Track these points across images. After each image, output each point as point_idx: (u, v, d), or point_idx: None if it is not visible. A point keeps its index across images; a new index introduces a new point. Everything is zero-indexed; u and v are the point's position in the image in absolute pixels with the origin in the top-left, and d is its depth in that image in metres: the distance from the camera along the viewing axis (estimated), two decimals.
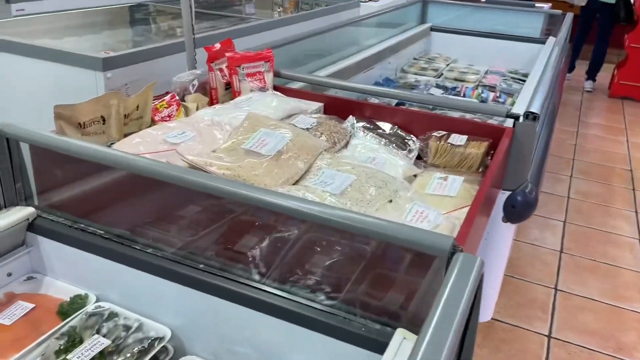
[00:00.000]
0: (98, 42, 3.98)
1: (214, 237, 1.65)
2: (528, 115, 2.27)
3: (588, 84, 8.90)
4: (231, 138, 1.84)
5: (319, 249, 1.54)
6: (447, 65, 5.17)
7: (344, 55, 4.06)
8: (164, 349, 1.64)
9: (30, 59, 2.70)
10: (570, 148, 6.37)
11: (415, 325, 1.39)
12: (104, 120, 1.90)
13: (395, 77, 4.73)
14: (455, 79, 4.82)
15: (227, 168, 1.63)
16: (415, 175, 2.18)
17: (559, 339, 3.34)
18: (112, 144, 1.91)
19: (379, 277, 1.48)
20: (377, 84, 4.26)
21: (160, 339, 1.63)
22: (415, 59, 5.27)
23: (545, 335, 3.36)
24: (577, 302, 3.69)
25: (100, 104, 1.87)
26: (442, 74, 4.92)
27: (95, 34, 4.22)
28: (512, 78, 4.93)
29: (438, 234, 1.29)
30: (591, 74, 8.87)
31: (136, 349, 1.57)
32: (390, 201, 1.74)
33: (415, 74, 4.87)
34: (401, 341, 1.33)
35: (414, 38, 5.23)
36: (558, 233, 4.51)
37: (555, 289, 3.81)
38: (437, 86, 4.52)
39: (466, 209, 1.84)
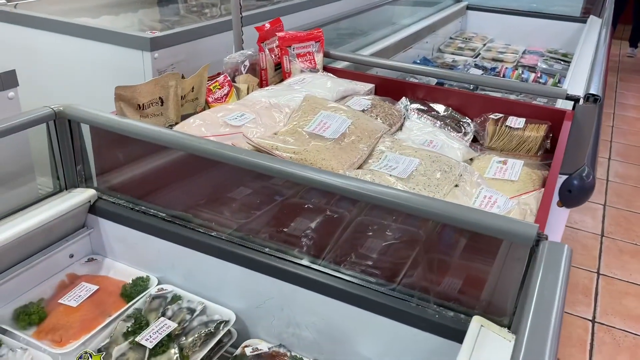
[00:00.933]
0: (134, 20, 3.95)
1: (282, 221, 1.63)
2: (589, 97, 2.19)
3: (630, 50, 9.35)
4: (291, 121, 1.81)
5: (392, 236, 1.51)
6: (484, 45, 5.04)
7: (382, 35, 3.97)
8: (228, 333, 1.64)
9: (74, 38, 2.68)
10: (607, 130, 6.21)
11: (491, 314, 1.36)
12: (162, 101, 1.87)
13: (432, 57, 4.63)
14: (493, 59, 4.70)
15: (294, 152, 1.60)
16: (471, 159, 2.12)
17: (603, 324, 3.28)
18: (170, 125, 1.89)
19: (453, 264, 1.45)
20: (414, 63, 4.17)
21: (225, 322, 1.63)
22: (451, 38, 5.15)
23: (590, 320, 3.30)
24: (620, 286, 3.62)
25: (159, 85, 1.84)
26: (479, 54, 4.80)
27: (130, 12, 4.19)
28: (552, 58, 4.79)
29: (522, 221, 1.25)
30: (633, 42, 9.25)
31: (203, 332, 1.57)
32: (457, 185, 1.70)
33: (452, 53, 4.76)
34: (479, 329, 1.30)
35: (450, 17, 5.10)
36: (598, 216, 4.42)
37: (598, 273, 3.74)
38: (476, 66, 4.41)
39: (531, 194, 1.79)
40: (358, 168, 1.71)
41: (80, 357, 1.48)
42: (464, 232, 1.38)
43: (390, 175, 1.63)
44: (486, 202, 1.62)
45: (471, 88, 3.36)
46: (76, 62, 2.73)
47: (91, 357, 1.48)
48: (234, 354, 1.61)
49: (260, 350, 1.62)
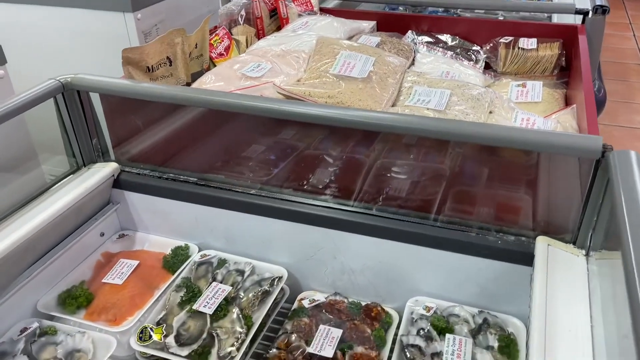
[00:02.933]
0: None
1: (325, 168, 1.58)
2: (597, 9, 2.16)
3: None
4: (311, 65, 1.73)
5: (446, 168, 1.49)
6: None
7: None
8: (280, 289, 1.61)
9: (53, 9, 2.49)
10: None
11: (554, 233, 1.36)
12: (170, 62, 1.76)
13: None
14: None
15: (328, 96, 1.54)
16: (487, 87, 2.10)
17: None
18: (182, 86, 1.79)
19: (511, 187, 1.44)
20: None
21: (279, 278, 1.60)
22: None
23: None
24: None
25: (165, 43, 1.73)
26: None
27: None
28: None
29: (586, 136, 1.24)
30: None
31: (258, 291, 1.54)
32: (491, 112, 1.67)
33: None
34: (546, 248, 1.31)
35: None
36: None
37: None
38: None
39: (562, 112, 1.78)
40: (392, 106, 1.66)
41: (141, 333, 1.43)
42: (521, 154, 1.36)
43: (428, 109, 1.59)
44: (525, 124, 1.61)
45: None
46: (59, 33, 2.54)
47: (152, 331, 1.44)
48: (292, 309, 1.59)
49: (318, 300, 1.60)
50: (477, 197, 1.46)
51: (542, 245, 1.32)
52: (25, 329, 1.41)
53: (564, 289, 1.18)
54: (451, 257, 1.44)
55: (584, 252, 1.29)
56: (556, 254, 1.29)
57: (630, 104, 4.92)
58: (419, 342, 1.36)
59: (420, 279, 1.53)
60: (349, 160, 1.56)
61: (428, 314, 1.44)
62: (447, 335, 1.35)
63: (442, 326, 1.39)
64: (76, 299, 1.51)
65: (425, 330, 1.39)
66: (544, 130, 1.27)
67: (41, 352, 1.37)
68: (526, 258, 1.35)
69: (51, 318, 1.50)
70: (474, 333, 1.39)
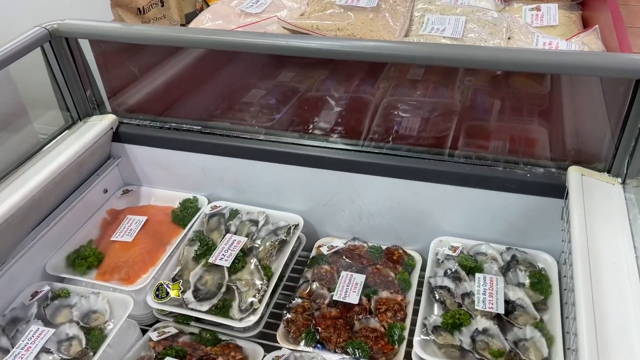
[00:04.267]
0: None
1: (337, 109, 1.49)
2: None
3: None
4: None
5: (468, 101, 1.39)
6: None
7: None
8: (296, 238, 1.55)
9: None
10: None
11: (586, 162, 1.29)
12: (162, 2, 1.62)
13: None
14: None
15: (338, 28, 1.42)
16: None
17: None
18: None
19: (539, 117, 1.35)
20: None
21: (295, 226, 1.54)
22: None
23: None
24: None
25: None
26: None
27: None
28: None
29: (624, 55, 1.14)
30: None
31: (275, 240, 1.48)
32: (509, 38, 1.56)
33: None
34: (580, 178, 1.24)
35: None
36: None
37: None
38: None
39: (584, 34, 1.67)
40: (405, 36, 1.54)
41: (157, 290, 1.38)
42: (548, 80, 1.27)
43: (444, 38, 1.47)
44: (548, 48, 1.50)
45: None
46: None
47: (169, 288, 1.38)
48: (311, 256, 1.54)
49: (336, 246, 1.54)
50: (502, 129, 1.38)
51: (575, 175, 1.24)
52: (37, 292, 1.36)
53: (603, 219, 1.12)
54: (476, 193, 1.38)
55: (619, 180, 1.22)
56: (590, 183, 1.22)
57: (631, 28, 4.76)
58: (448, 283, 1.31)
59: (444, 218, 1.47)
60: (358, 99, 1.46)
61: (454, 254, 1.39)
62: (477, 274, 1.30)
63: (471, 265, 1.34)
64: (86, 259, 1.45)
65: (453, 271, 1.34)
66: (580, 51, 1.17)
67: (56, 316, 1.31)
68: (557, 190, 1.28)
69: (61, 280, 1.44)
70: (504, 271, 1.34)
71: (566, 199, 1.23)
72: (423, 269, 1.43)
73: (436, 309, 1.28)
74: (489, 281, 1.28)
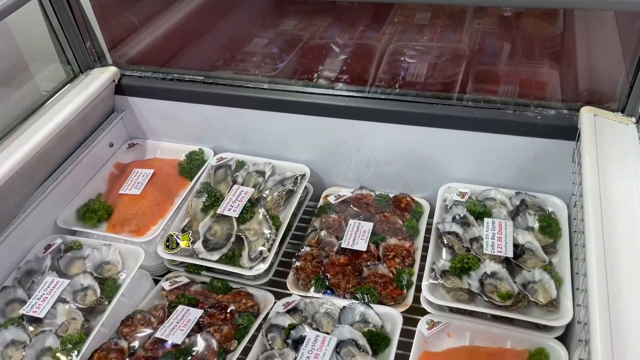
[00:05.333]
0: None
1: (343, 55, 1.45)
2: None
3: None
4: None
5: (478, 39, 1.35)
6: None
7: None
8: (303, 188, 1.55)
9: None
10: None
11: (598, 103, 1.25)
12: None
13: None
14: None
15: None
16: None
17: None
18: None
19: (551, 56, 1.31)
20: None
21: (302, 176, 1.53)
22: None
23: None
24: None
25: None
26: None
27: None
28: None
29: None
30: None
31: (282, 190, 1.48)
32: None
33: None
34: (593, 119, 1.21)
35: None
36: None
37: None
38: None
39: None
40: None
41: (167, 241, 1.39)
42: (558, 16, 1.22)
43: None
44: None
45: None
46: None
47: (179, 238, 1.40)
48: (318, 206, 1.53)
49: (344, 196, 1.54)
50: (513, 72, 1.34)
51: (588, 115, 1.22)
52: (50, 245, 1.38)
53: (615, 160, 1.10)
54: (485, 138, 1.35)
55: (634, 119, 1.19)
56: (603, 124, 1.19)
57: None
58: (456, 228, 1.31)
59: (452, 164, 1.45)
60: (364, 45, 1.42)
61: (463, 200, 1.38)
62: (486, 219, 1.30)
63: (479, 211, 1.33)
64: (96, 212, 1.46)
65: (461, 216, 1.33)
66: None
67: (69, 267, 1.33)
68: (568, 132, 1.26)
69: (73, 233, 1.46)
70: (513, 215, 1.33)
71: (578, 140, 1.21)
72: (431, 216, 1.43)
73: (444, 254, 1.29)
74: (498, 225, 1.27)
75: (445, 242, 1.28)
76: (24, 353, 1.14)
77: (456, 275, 1.22)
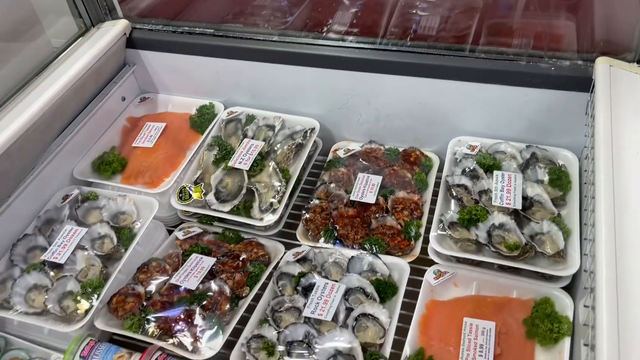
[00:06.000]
0: None
1: (354, 9, 1.43)
2: None
3: None
4: None
5: None
6: None
7: None
8: (313, 142, 1.55)
9: None
10: None
11: (613, 53, 1.23)
12: None
13: None
14: None
15: None
16: None
17: None
18: None
19: (563, 4, 1.28)
20: None
21: (311, 130, 1.53)
22: None
23: None
24: None
25: None
26: None
27: None
28: None
29: None
30: None
31: (292, 144, 1.49)
32: None
33: None
34: (608, 70, 1.19)
35: None
36: None
37: None
38: None
39: None
40: None
41: (180, 192, 1.42)
42: None
43: None
44: None
45: None
46: None
47: (191, 190, 1.42)
48: (328, 160, 1.55)
49: (353, 150, 1.55)
50: (527, 25, 1.31)
51: (603, 66, 1.19)
52: (67, 196, 1.41)
53: (629, 111, 1.09)
54: (497, 90, 1.34)
55: None
56: (618, 74, 1.17)
57: None
58: (465, 181, 1.32)
59: (463, 118, 1.44)
60: None
61: (473, 153, 1.38)
62: (495, 172, 1.30)
63: (489, 164, 1.33)
64: (110, 164, 1.49)
65: (471, 169, 1.34)
66: None
67: (87, 217, 1.38)
68: (582, 83, 1.24)
69: (89, 184, 1.49)
70: (523, 168, 1.33)
71: (592, 92, 1.20)
72: (440, 170, 1.44)
73: (453, 205, 1.30)
74: (507, 178, 1.28)
75: (454, 194, 1.29)
76: (46, 296, 1.20)
77: (464, 226, 1.23)
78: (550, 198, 1.25)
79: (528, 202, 1.25)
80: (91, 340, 1.13)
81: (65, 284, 1.22)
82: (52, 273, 1.25)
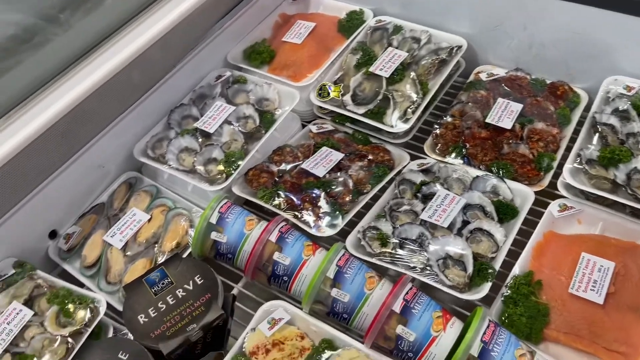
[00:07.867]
0: None
1: None
2: None
3: None
4: None
5: None
6: None
7: None
8: (456, 61, 1.53)
9: None
10: None
11: None
12: None
13: None
14: None
15: None
16: None
17: None
18: None
19: None
20: None
21: (458, 48, 1.51)
22: None
23: None
24: None
25: None
26: None
27: None
28: None
29: None
30: None
31: (435, 59, 1.49)
32: None
33: None
34: None
35: None
36: None
37: None
38: None
39: None
40: None
41: (320, 89, 1.50)
42: None
43: None
44: None
45: None
46: None
47: (330, 89, 1.49)
48: (469, 81, 1.53)
49: (496, 75, 1.51)
50: None
51: None
52: (220, 76, 1.55)
53: None
54: None
55: None
56: None
57: None
58: (614, 121, 1.25)
59: (624, 55, 1.34)
60: None
61: (629, 94, 1.29)
62: None
63: None
64: (260, 54, 1.60)
65: (623, 110, 1.26)
66: None
67: (235, 97, 1.51)
68: None
69: (239, 69, 1.62)
70: None
71: None
72: (587, 109, 1.36)
73: (595, 142, 1.24)
74: None
75: (600, 131, 1.23)
76: (195, 158, 1.36)
77: (602, 165, 1.19)
78: None
79: None
80: (228, 201, 1.27)
81: (212, 151, 1.37)
82: (200, 140, 1.41)
